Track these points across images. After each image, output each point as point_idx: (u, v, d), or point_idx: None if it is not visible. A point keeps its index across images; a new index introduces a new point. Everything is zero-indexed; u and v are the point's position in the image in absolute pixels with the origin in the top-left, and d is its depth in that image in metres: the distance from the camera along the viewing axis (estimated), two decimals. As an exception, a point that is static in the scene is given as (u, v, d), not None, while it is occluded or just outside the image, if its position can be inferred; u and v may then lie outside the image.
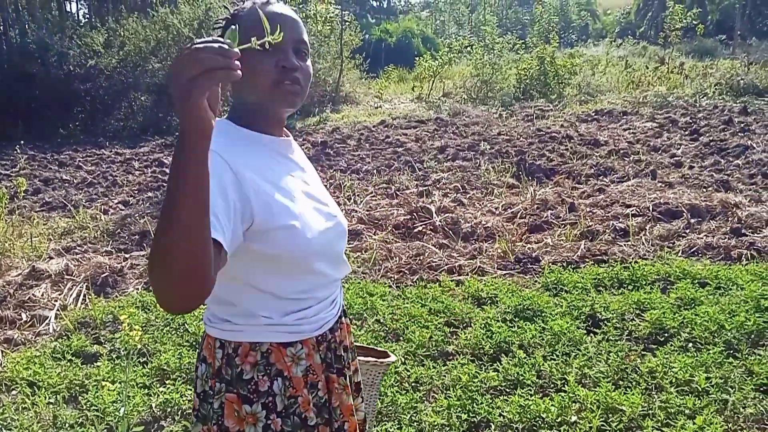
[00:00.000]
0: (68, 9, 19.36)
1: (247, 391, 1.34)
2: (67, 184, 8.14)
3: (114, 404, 3.01)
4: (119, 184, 8.06)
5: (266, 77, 1.32)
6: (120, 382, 3.20)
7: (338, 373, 1.48)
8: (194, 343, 3.75)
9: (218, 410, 1.36)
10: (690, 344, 3.42)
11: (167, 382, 3.29)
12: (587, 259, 4.89)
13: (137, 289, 4.76)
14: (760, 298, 3.76)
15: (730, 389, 2.96)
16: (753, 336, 3.44)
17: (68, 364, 3.55)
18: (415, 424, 2.90)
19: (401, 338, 3.73)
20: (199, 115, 0.94)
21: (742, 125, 9.23)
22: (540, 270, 4.77)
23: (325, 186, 7.90)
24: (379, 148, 9.88)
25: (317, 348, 1.42)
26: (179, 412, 3.05)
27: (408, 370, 3.32)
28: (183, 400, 3.10)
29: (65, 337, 3.92)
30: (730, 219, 5.44)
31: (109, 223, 6.33)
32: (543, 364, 3.29)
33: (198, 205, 0.99)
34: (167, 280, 1.02)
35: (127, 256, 5.47)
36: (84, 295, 4.60)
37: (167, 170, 8.78)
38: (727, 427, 2.69)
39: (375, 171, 8.35)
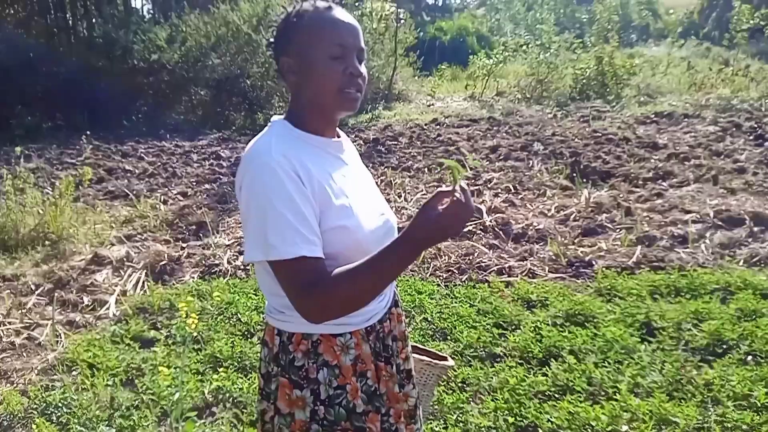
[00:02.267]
0: (134, 5, 20.03)
1: (298, 377, 1.43)
2: (129, 174, 8.43)
3: (169, 389, 3.12)
4: (178, 176, 8.30)
5: (333, 83, 1.37)
6: (175, 368, 3.31)
7: (386, 362, 1.52)
8: (246, 333, 3.84)
9: (274, 391, 1.47)
10: (750, 357, 3.29)
11: (220, 369, 3.38)
12: (643, 266, 4.76)
13: (193, 277, 4.90)
14: (827, 312, 3.60)
15: (792, 406, 2.84)
16: (819, 352, 3.29)
17: (126, 347, 3.69)
18: (461, 424, 2.90)
19: (449, 337, 3.72)
20: None
21: (813, 131, 8.81)
22: (593, 275, 4.67)
23: (376, 183, 7.95)
24: (430, 146, 9.86)
25: (366, 338, 1.47)
26: (230, 400, 3.13)
27: (455, 370, 3.31)
28: (234, 388, 3.18)
29: (124, 322, 4.07)
30: (797, 229, 5.20)
31: (168, 213, 6.53)
32: (594, 371, 3.23)
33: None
34: (349, 311, 1.35)
35: (184, 245, 5.63)
36: (143, 282, 4.77)
37: (224, 163, 8.99)
38: (787, 445, 2.59)
39: (426, 169, 8.34)
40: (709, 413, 2.83)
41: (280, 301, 1.43)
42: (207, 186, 7.78)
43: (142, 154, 9.60)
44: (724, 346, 3.44)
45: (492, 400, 3.03)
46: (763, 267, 4.59)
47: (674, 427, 2.75)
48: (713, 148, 8.37)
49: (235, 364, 3.45)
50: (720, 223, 5.50)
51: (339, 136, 1.54)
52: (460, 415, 2.95)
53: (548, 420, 2.88)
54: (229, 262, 5.10)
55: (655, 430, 2.71)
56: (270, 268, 1.36)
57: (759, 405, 2.87)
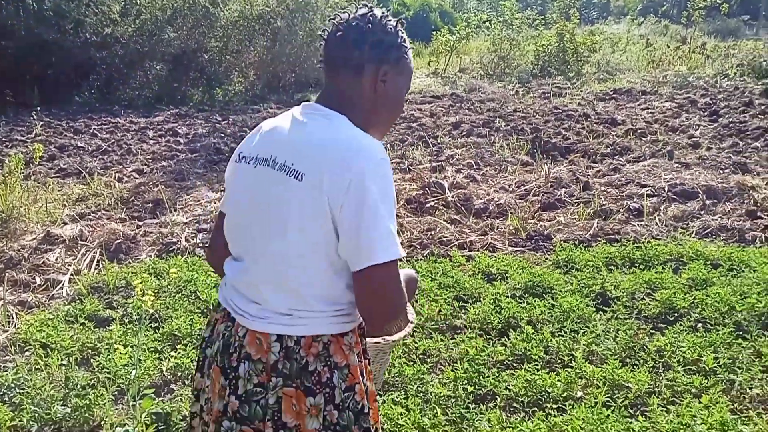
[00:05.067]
0: (85, -24, 19.26)
1: (311, 383, 1.35)
2: (81, 152, 8.18)
3: (125, 367, 3.06)
4: (133, 153, 8.09)
5: (396, 115, 1.52)
6: (132, 346, 3.25)
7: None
8: (205, 311, 3.79)
9: (274, 405, 1.35)
10: (699, 324, 3.41)
11: (178, 347, 3.34)
12: (599, 238, 4.86)
13: (150, 256, 4.81)
14: (773, 280, 3.73)
15: (737, 370, 2.95)
16: (763, 318, 3.42)
17: (81, 327, 3.61)
18: (422, 394, 2.93)
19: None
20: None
21: (763, 107, 9.06)
22: (551, 248, 4.75)
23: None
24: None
25: (360, 338, 1.46)
26: (189, 377, 3.10)
27: (416, 343, 3.34)
28: (194, 365, 3.14)
29: (78, 301, 3.97)
30: (746, 201, 5.37)
31: (123, 190, 6.37)
32: (551, 340, 3.29)
33: None
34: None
35: (140, 223, 5.51)
36: (97, 261, 4.65)
37: (181, 140, 8.80)
38: (732, 406, 2.70)
39: (388, 145, 8.32)
40: (660, 378, 2.92)
41: (294, 302, 1.35)
42: (164, 163, 7.61)
43: (95, 131, 9.32)
44: (676, 314, 3.54)
45: (452, 371, 3.07)
46: (714, 238, 4.73)
47: (626, 392, 2.83)
48: (669, 124, 8.55)
49: (195, 341, 3.41)
50: (674, 196, 5.64)
51: None
52: (421, 386, 2.98)
53: (506, 388, 2.93)
54: (187, 240, 5.01)
55: (608, 395, 2.79)
56: (335, 267, 1.33)
57: (707, 369, 2.97)
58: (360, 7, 1.43)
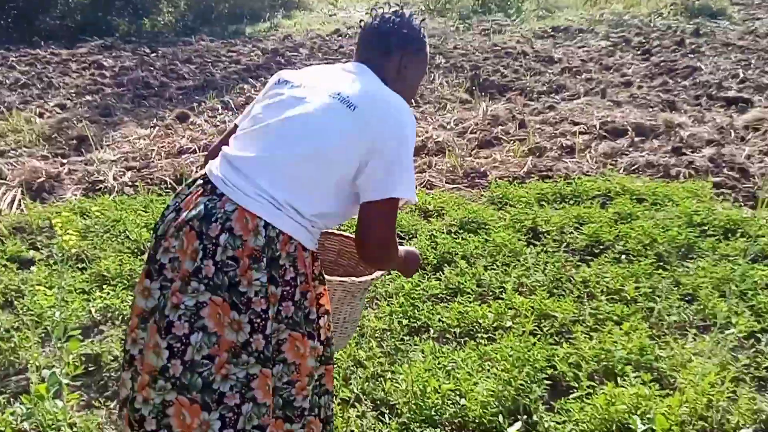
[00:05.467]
0: None
1: (277, 275, 1.49)
2: (-2, 85, 7.66)
3: (51, 309, 2.97)
4: (55, 87, 7.64)
5: (412, 95, 1.79)
6: (57, 288, 3.14)
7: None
8: (135, 251, 3.69)
9: (259, 284, 1.47)
10: (623, 256, 3.56)
11: (107, 288, 3.25)
12: (533, 175, 4.96)
13: (75, 195, 4.61)
14: (692, 213, 3.92)
15: (657, 298, 3.12)
16: (683, 249, 3.60)
17: (3, 269, 3.46)
18: (358, 329, 2.97)
19: (346, 248, 3.75)
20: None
21: (693, 47, 9.30)
22: (487, 185, 4.82)
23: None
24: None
25: (313, 263, 1.62)
26: (120, 317, 3.04)
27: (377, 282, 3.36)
28: (124, 306, 3.08)
29: (-1, 243, 3.80)
30: (672, 138, 5.56)
31: (44, 126, 6.03)
32: (483, 274, 3.38)
33: None
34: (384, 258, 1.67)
35: (64, 161, 5.26)
36: (19, 201, 4.43)
37: (107, 73, 8.34)
38: (651, 333, 2.86)
39: (326, 81, 8.13)
40: (585, 307, 3.06)
41: (309, 205, 1.52)
42: (88, 98, 7.21)
43: (14, 63, 8.71)
44: (601, 247, 3.69)
45: (388, 305, 3.12)
46: (641, 174, 4.90)
47: (553, 321, 2.95)
48: (603, 63, 8.68)
49: (125, 282, 3.33)
50: (605, 134, 5.78)
51: None
52: (356, 321, 3.02)
53: (439, 320, 3.01)
54: (115, 179, 4.82)
55: (535, 324, 2.90)
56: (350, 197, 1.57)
57: (629, 298, 3.13)
58: (393, 6, 1.76)
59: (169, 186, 4.76)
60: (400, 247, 1.75)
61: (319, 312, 1.61)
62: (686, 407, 2.31)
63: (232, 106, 6.98)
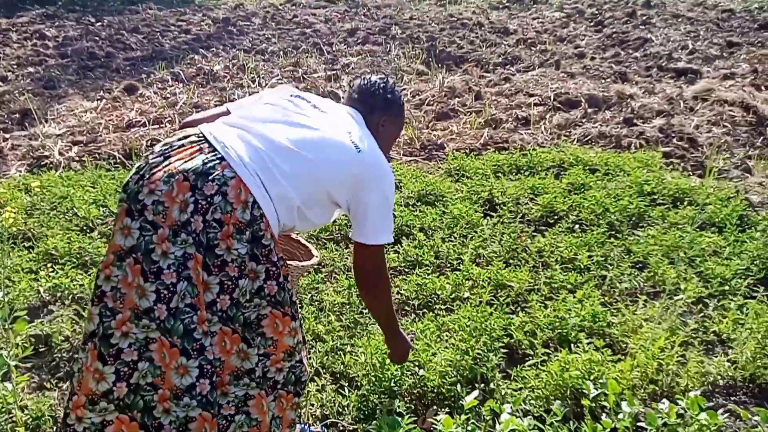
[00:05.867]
0: None
1: (260, 254, 1.58)
2: (-70, 56, 7.25)
3: (-3, 290, 2.86)
4: (-6, 58, 7.28)
5: (387, 150, 1.98)
6: (2, 267, 3.02)
7: None
8: (84, 228, 3.58)
9: (237, 254, 1.55)
10: (576, 226, 3.63)
11: (56, 267, 3.15)
12: (489, 147, 4.99)
13: (20, 171, 4.43)
14: (643, 183, 4.01)
15: (609, 266, 3.20)
16: (634, 218, 3.70)
17: (-57, 249, 3.30)
18: (317, 303, 2.96)
19: (304, 222, 3.72)
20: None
21: (645, 18, 9.44)
22: (444, 156, 4.83)
23: (228, 67, 7.41)
24: (285, 28, 9.39)
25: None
26: (70, 297, 2.95)
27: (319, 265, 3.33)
28: (74, 285, 2.99)
29: (-62, 222, 3.62)
30: (624, 109, 5.66)
31: (-17, 100, 5.75)
32: (441, 246, 3.40)
33: None
34: (379, 306, 1.98)
35: (6, 136, 5.03)
36: (-42, 178, 4.23)
37: (50, 43, 7.97)
38: (603, 300, 2.93)
39: (281, 52, 7.98)
40: (540, 276, 3.12)
41: (298, 198, 1.65)
42: (30, 69, 6.90)
43: (-52, 33, 8.26)
44: (555, 217, 3.75)
45: (346, 279, 3.11)
46: (593, 145, 4.99)
47: (509, 291, 3.00)
48: (558, 34, 8.74)
49: (74, 260, 3.23)
50: (559, 105, 5.84)
51: None
52: (315, 294, 3.01)
53: (398, 292, 3.02)
54: (61, 154, 4.64)
55: (492, 294, 2.95)
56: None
57: (582, 267, 3.20)
58: (380, 75, 2.08)
59: (118, 161, 4.61)
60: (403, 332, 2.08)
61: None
62: (637, 371, 2.38)
63: (183, 77, 6.78)
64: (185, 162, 1.57)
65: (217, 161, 1.57)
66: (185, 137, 1.66)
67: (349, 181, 1.72)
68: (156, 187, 1.53)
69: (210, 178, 1.54)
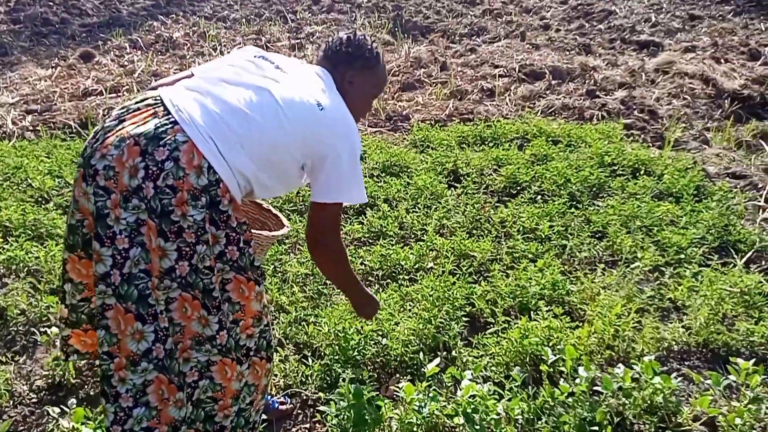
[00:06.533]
0: None
1: (219, 219, 1.55)
2: None
3: (-53, 263, 2.77)
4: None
5: (364, 113, 1.95)
6: (-47, 241, 2.93)
7: None
8: (39, 199, 3.48)
9: (192, 221, 1.51)
10: (538, 196, 3.67)
11: (10, 239, 3.06)
12: (454, 118, 4.99)
13: (-31, 141, 4.26)
14: (603, 154, 4.07)
15: (569, 236, 3.25)
16: (594, 189, 3.75)
17: None
18: (280, 274, 2.95)
19: (267, 193, 3.68)
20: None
21: (609, -9, 9.48)
22: (409, 128, 4.81)
23: (188, 34, 7.21)
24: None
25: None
26: (25, 270, 2.87)
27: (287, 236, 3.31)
28: (29, 257, 2.91)
29: None
30: (587, 81, 5.71)
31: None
32: (405, 217, 3.41)
33: None
34: (333, 270, 1.89)
35: (-46, 104, 4.83)
36: None
37: (1, 9, 7.64)
38: (563, 268, 2.98)
39: (243, 20, 7.79)
40: (502, 246, 3.15)
41: (260, 165, 1.60)
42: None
43: None
44: (518, 188, 3.79)
45: (309, 250, 3.09)
46: (556, 116, 5.03)
47: (472, 260, 3.03)
48: (523, 5, 8.73)
49: (29, 232, 3.14)
50: (524, 77, 5.86)
51: None
52: (279, 266, 2.99)
53: (362, 263, 3.02)
54: (14, 123, 4.48)
55: (455, 264, 2.97)
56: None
57: (543, 236, 3.25)
58: (350, 31, 2.05)
59: (74, 130, 4.47)
60: (367, 289, 1.99)
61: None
62: (594, 338, 2.44)
63: (141, 44, 6.58)
64: (138, 126, 1.52)
65: (170, 125, 1.53)
66: (142, 100, 1.62)
67: (309, 141, 1.65)
68: (107, 152, 1.49)
69: (161, 142, 1.49)
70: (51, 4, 7.97)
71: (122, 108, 1.62)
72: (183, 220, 1.51)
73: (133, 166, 1.48)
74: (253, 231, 1.84)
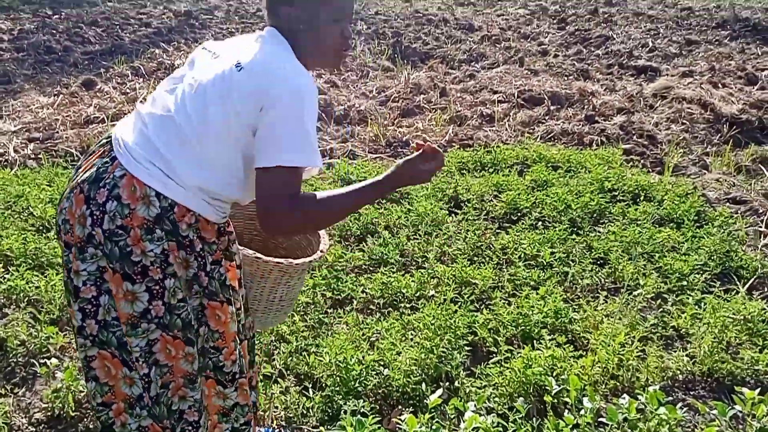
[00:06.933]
0: None
1: (185, 244, 1.48)
2: None
3: (-53, 294, 2.76)
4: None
5: (332, 43, 1.58)
6: (-47, 271, 2.92)
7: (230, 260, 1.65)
8: (40, 228, 3.48)
9: (155, 255, 1.43)
10: (539, 222, 3.67)
11: (11, 268, 3.05)
12: (454, 143, 5.02)
13: (-29, 169, 4.28)
14: (603, 180, 4.08)
15: (571, 263, 3.24)
16: (595, 215, 3.76)
17: None
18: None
19: (268, 220, 3.68)
20: None
21: (606, 16, 9.60)
22: (409, 154, 4.82)
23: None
24: (249, 22, 9.27)
25: (218, 238, 1.58)
26: (26, 299, 2.86)
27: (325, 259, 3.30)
28: (30, 287, 2.90)
29: None
30: (585, 107, 5.75)
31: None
32: (406, 244, 3.40)
33: None
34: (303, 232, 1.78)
35: (-43, 133, 4.86)
36: None
37: (5, 37, 7.72)
38: (565, 296, 2.97)
39: (245, 47, 7.87)
40: (503, 273, 3.14)
41: (198, 174, 1.45)
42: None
43: None
44: (519, 214, 3.79)
45: (311, 278, 3.09)
46: (556, 142, 5.05)
47: (473, 288, 3.02)
48: (521, 31, 8.84)
49: (30, 261, 3.13)
50: (523, 102, 5.90)
51: None
52: (279, 295, 2.97)
53: (363, 291, 3.01)
54: (16, 151, 4.51)
55: (456, 292, 2.96)
56: (244, 165, 1.48)
57: (545, 263, 3.24)
58: None
59: (76, 158, 4.49)
60: (386, 172, 1.63)
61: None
62: (598, 367, 2.42)
63: (143, 72, 6.64)
64: (85, 172, 1.48)
65: (110, 162, 1.46)
66: (100, 141, 1.58)
67: (241, 107, 1.43)
68: (62, 206, 1.49)
69: (101, 184, 1.43)
70: (54, 32, 8.07)
71: (85, 152, 1.61)
72: (144, 258, 1.43)
73: (81, 215, 1.43)
74: (275, 260, 1.77)
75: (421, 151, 1.65)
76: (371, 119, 5.50)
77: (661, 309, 2.92)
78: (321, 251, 1.85)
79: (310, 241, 2.02)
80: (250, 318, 1.80)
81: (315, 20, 1.54)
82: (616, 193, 3.99)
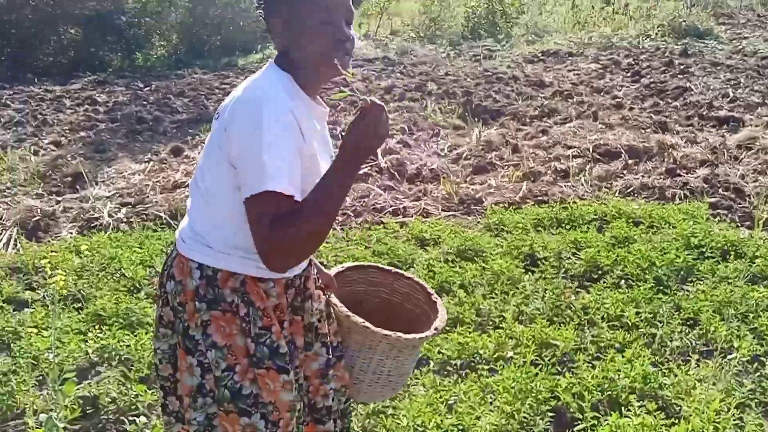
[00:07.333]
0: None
1: (231, 312, 1.48)
2: (-8, 124, 7.67)
3: (48, 351, 2.93)
4: (50, 124, 7.65)
5: (322, 48, 1.45)
6: (54, 329, 3.11)
7: (301, 317, 1.61)
8: (131, 288, 3.67)
9: (205, 324, 1.47)
10: (622, 281, 3.55)
11: (104, 327, 3.22)
12: (528, 200, 4.97)
13: (71, 233, 4.59)
14: (690, 236, 3.92)
15: (658, 324, 3.10)
16: (682, 272, 3.60)
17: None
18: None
19: (344, 280, 3.73)
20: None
21: (682, 67, 9.40)
22: (483, 211, 4.82)
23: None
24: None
25: (286, 291, 1.54)
26: (117, 358, 3.00)
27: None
28: (121, 346, 3.04)
29: (-6, 284, 3.76)
30: (665, 160, 5.59)
31: (39, 164, 6.02)
32: (482, 303, 3.36)
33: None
34: (308, 251, 1.43)
35: (59, 199, 5.25)
36: (14, 240, 4.41)
37: (101, 108, 8.36)
38: (654, 359, 2.83)
39: (320, 111, 8.17)
40: (586, 335, 3.04)
41: (214, 235, 1.47)
42: (82, 134, 7.22)
43: (8, 101, 8.74)
44: (600, 272, 3.68)
45: (386, 338, 3.08)
46: (636, 197, 4.92)
47: (554, 350, 2.93)
48: (594, 85, 8.76)
49: (121, 321, 3.29)
50: (598, 156, 5.81)
51: (324, 106, 1.61)
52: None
53: (439, 352, 2.98)
54: (110, 215, 4.81)
55: (536, 354, 2.88)
56: (239, 204, 1.41)
57: (630, 324, 3.11)
58: None
59: (165, 221, 4.74)
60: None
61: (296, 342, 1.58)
62: (693, 436, 2.28)
63: (227, 138, 6.99)
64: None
65: (173, 248, 1.60)
66: None
67: (221, 146, 1.43)
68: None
69: (164, 269, 1.59)
70: (145, 103, 8.67)
71: None
72: (197, 331, 1.49)
73: (158, 295, 1.59)
74: (384, 332, 1.68)
75: (358, 110, 1.45)
76: (443, 177, 5.54)
77: (758, 373, 2.73)
78: (435, 329, 1.76)
79: (430, 316, 1.89)
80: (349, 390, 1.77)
81: (302, 26, 1.44)
82: (704, 250, 3.81)
